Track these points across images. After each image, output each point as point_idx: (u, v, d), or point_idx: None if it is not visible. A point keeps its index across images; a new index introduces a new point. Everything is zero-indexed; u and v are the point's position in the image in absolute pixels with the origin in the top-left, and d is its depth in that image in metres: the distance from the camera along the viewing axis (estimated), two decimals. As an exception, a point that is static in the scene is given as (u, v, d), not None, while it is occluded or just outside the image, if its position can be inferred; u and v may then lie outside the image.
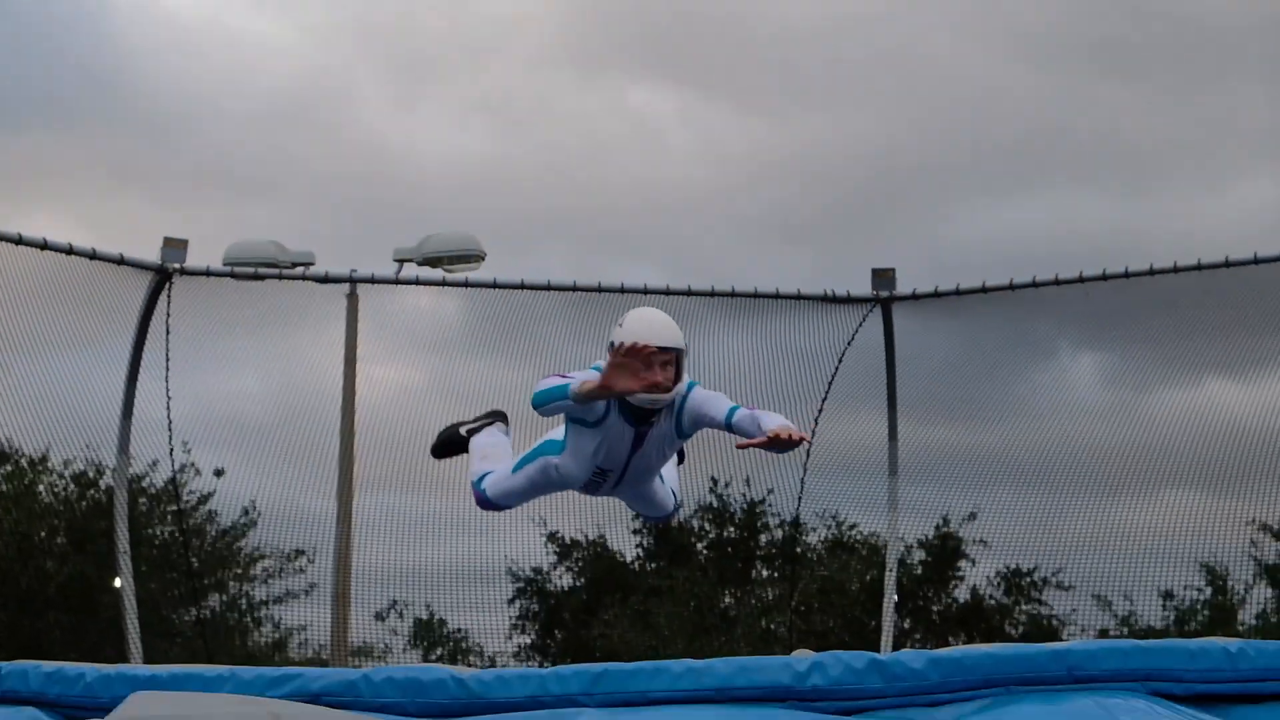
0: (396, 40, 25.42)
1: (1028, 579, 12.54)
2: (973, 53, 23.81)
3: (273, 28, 25.89)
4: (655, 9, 24.91)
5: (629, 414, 4.89)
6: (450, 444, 5.80)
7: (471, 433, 5.79)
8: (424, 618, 11.96)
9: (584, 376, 4.78)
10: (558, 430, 5.24)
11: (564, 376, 4.87)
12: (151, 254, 9.77)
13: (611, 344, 4.84)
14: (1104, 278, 9.98)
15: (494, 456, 5.57)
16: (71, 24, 24.32)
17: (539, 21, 25.02)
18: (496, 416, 5.87)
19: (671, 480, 5.59)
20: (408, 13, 25.34)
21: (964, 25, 23.67)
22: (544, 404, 4.87)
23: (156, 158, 23.88)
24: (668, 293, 10.07)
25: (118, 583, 9.51)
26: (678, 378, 4.83)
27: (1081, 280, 10.05)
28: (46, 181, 23.71)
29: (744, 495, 12.59)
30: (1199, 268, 9.74)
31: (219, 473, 11.08)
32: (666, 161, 24.91)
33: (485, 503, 5.49)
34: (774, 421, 4.70)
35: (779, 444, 4.63)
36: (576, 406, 4.83)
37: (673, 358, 4.79)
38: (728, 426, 4.85)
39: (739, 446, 4.83)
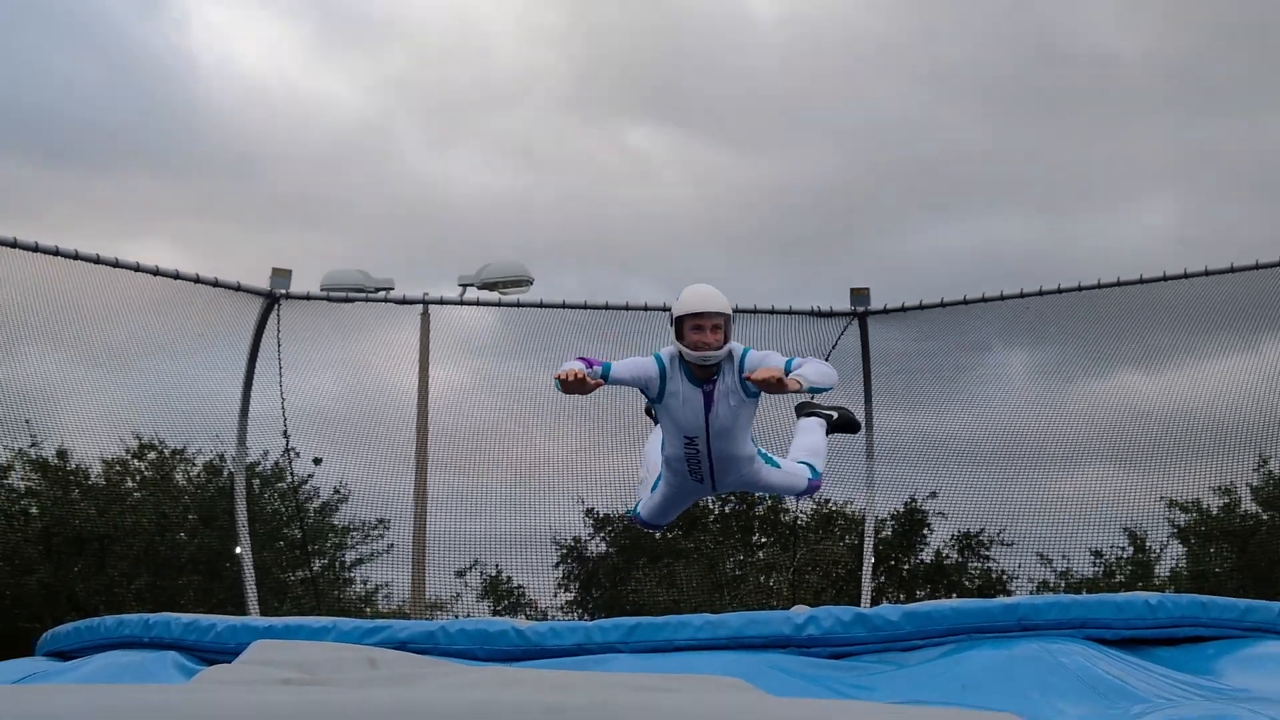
0: (432, 91, 25.52)
1: (976, 539, 12.50)
2: (919, 100, 23.82)
3: (328, 81, 26.02)
4: (651, 61, 24.95)
5: (691, 376, 4.76)
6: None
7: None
8: (493, 574, 11.97)
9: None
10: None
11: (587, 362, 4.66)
12: (242, 275, 9.66)
13: (671, 315, 4.79)
14: (1040, 293, 9.94)
15: (648, 481, 5.21)
16: (162, 82, 24.48)
17: (550, 73, 25.10)
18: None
19: (797, 452, 5.23)
20: (440, 68, 25.45)
21: (912, 78, 23.69)
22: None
23: (236, 193, 24.00)
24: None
25: (238, 550, 9.55)
26: (726, 339, 4.73)
27: (1022, 295, 10.01)
28: (147, 214, 23.93)
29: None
30: (1118, 284, 9.72)
31: (317, 460, 11.08)
32: (662, 192, 24.97)
33: (645, 525, 5.26)
34: (775, 365, 4.62)
35: (764, 385, 4.54)
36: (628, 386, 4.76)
37: (721, 321, 4.72)
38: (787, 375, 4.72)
39: (745, 377, 4.70)
